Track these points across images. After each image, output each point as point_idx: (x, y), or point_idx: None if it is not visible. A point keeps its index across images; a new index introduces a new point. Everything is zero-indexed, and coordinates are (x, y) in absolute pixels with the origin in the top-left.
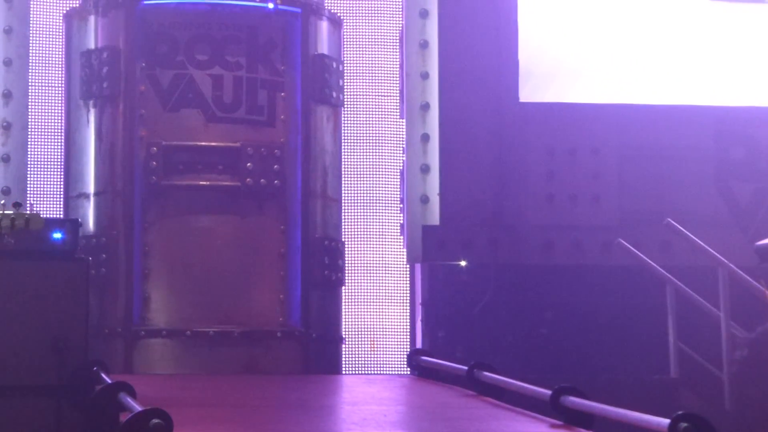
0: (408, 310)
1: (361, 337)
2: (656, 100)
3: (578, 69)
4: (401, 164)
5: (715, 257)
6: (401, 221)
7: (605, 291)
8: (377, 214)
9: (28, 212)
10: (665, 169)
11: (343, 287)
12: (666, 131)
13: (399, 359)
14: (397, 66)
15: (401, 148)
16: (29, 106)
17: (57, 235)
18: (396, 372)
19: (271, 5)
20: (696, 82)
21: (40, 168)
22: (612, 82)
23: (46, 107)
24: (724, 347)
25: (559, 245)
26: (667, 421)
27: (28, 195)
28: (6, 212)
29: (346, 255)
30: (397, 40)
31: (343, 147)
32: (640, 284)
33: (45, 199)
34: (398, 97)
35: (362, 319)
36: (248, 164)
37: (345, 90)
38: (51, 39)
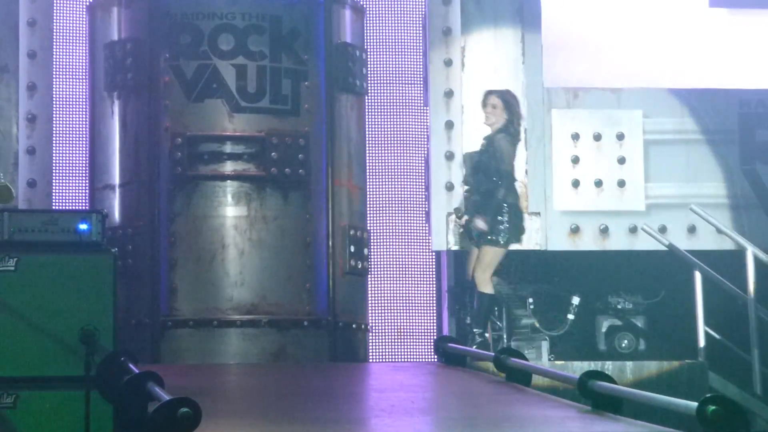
0: (434, 298)
1: (388, 325)
2: (681, 84)
3: (603, 53)
4: (425, 151)
5: (742, 241)
6: (426, 208)
7: (632, 276)
8: (402, 201)
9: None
10: (690, 153)
11: (369, 275)
12: (691, 115)
13: (425, 346)
14: (420, 53)
15: (425, 136)
16: (54, 98)
17: (83, 227)
18: (422, 359)
19: None
20: (721, 65)
21: (66, 160)
22: (637, 66)
23: (71, 99)
24: (752, 330)
25: (584, 231)
26: (695, 404)
27: (54, 187)
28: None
29: (372, 243)
30: (420, 28)
31: (367, 135)
32: (666, 269)
33: (70, 190)
34: (422, 85)
35: (388, 307)
36: (273, 154)
37: (368, 78)
38: (75, 31)
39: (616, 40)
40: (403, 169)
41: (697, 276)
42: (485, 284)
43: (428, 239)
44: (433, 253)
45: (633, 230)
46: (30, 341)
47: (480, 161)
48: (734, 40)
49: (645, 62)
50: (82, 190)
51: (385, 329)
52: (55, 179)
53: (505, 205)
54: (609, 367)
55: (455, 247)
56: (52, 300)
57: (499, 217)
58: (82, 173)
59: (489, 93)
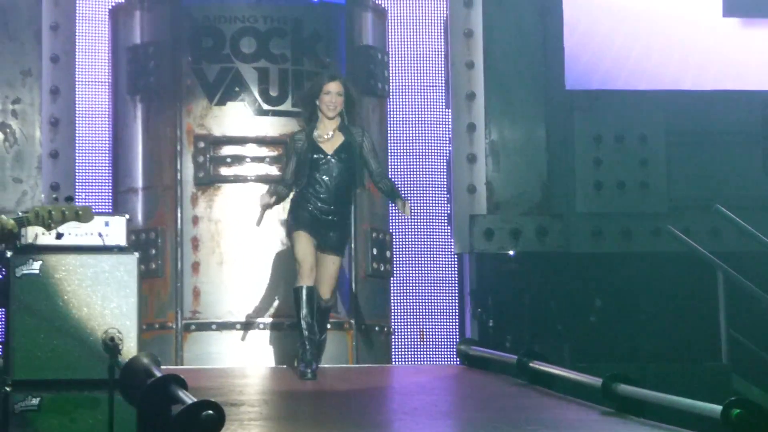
0: (456, 300)
1: (410, 328)
2: (703, 85)
3: (624, 55)
4: (447, 154)
5: (766, 242)
6: (448, 211)
7: (654, 278)
8: (424, 204)
9: (79, 205)
10: (713, 155)
11: (392, 278)
12: (714, 116)
13: (448, 349)
14: (442, 56)
15: (447, 138)
16: (76, 102)
17: (106, 230)
18: (445, 362)
19: None
20: (743, 66)
21: (88, 163)
22: (658, 68)
23: (94, 103)
24: None
25: (607, 233)
26: (719, 407)
27: (77, 190)
28: (57, 205)
29: (394, 246)
30: (442, 30)
31: (389, 138)
32: (689, 271)
33: (93, 194)
34: (443, 87)
35: (411, 310)
36: None
37: (390, 81)
38: (97, 35)
39: (638, 42)
40: (425, 171)
41: (720, 278)
42: None
43: (450, 242)
44: (456, 256)
45: (656, 232)
46: (54, 344)
47: None
48: (749, 47)
49: (667, 64)
50: (105, 193)
51: (407, 332)
52: (78, 183)
53: None
54: (632, 369)
55: (477, 250)
56: (76, 303)
57: None
58: (105, 177)
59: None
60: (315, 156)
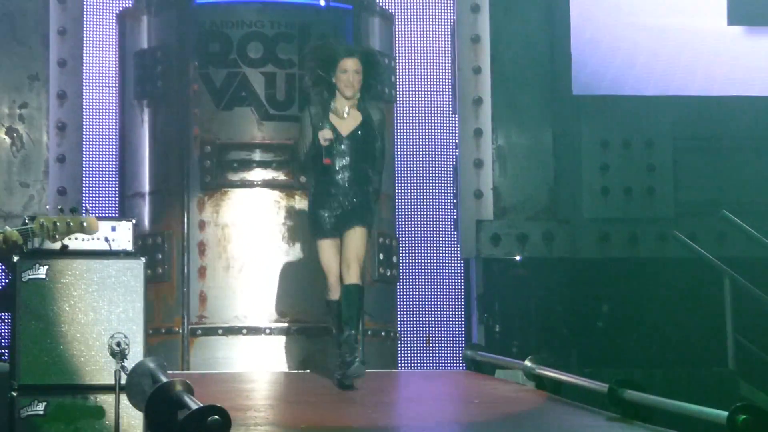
0: (462, 306)
1: (417, 333)
2: (710, 91)
3: (631, 60)
4: (454, 159)
5: None
6: (455, 216)
7: (661, 284)
8: (431, 209)
9: (84, 216)
10: (720, 160)
11: (398, 283)
12: (720, 121)
13: (454, 354)
14: (449, 61)
15: (454, 143)
16: (84, 107)
17: (113, 235)
18: (451, 367)
19: (322, 2)
20: (750, 72)
21: (95, 168)
22: (665, 73)
23: (101, 107)
24: None
25: (614, 238)
26: (725, 413)
27: (84, 195)
28: (62, 216)
29: (401, 251)
30: (449, 35)
31: (395, 142)
32: (696, 276)
33: (100, 198)
34: (450, 93)
35: (417, 315)
36: None
37: (397, 86)
38: (104, 39)
39: (644, 48)
40: (432, 176)
41: (727, 283)
42: None
43: (457, 247)
44: (462, 261)
45: (662, 237)
46: (60, 349)
47: None
48: (755, 53)
49: (674, 70)
50: (111, 198)
51: (414, 337)
52: (85, 187)
53: None
54: (639, 374)
55: (484, 255)
56: (82, 308)
57: None
58: (111, 181)
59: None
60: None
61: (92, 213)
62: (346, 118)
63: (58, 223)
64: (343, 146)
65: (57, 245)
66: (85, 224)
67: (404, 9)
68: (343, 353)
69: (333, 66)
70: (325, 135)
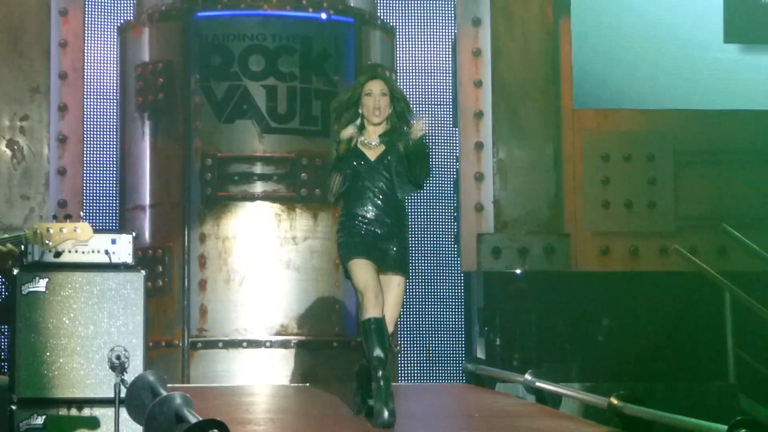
0: (463, 319)
1: (417, 346)
2: (711, 105)
3: (632, 74)
4: (455, 172)
5: None
6: (455, 229)
7: (662, 297)
8: (432, 222)
9: (77, 223)
10: (721, 174)
11: None
12: (721, 136)
13: (454, 367)
14: (450, 74)
15: (455, 156)
16: (84, 119)
17: (113, 248)
18: (451, 380)
19: (324, 16)
20: (750, 87)
21: (96, 180)
22: (666, 87)
23: (101, 120)
24: None
25: (615, 252)
26: (725, 427)
27: (84, 207)
28: (55, 223)
29: None
30: (450, 49)
31: None
32: (696, 290)
33: (101, 211)
34: (451, 106)
35: (418, 328)
36: (303, 174)
37: None
38: (105, 52)
39: (645, 63)
40: (433, 189)
41: (727, 297)
42: None
43: (458, 260)
44: (463, 274)
45: (663, 251)
46: (60, 362)
47: None
48: (754, 69)
49: (675, 84)
50: (112, 210)
51: (414, 349)
52: (86, 200)
53: None
54: (639, 388)
55: (485, 268)
56: (82, 321)
57: None
58: (112, 194)
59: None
60: (356, 163)
61: (84, 219)
62: (377, 145)
63: (51, 230)
64: (371, 172)
65: (51, 253)
66: (78, 230)
67: (405, 22)
68: (389, 394)
69: (359, 94)
70: (346, 133)
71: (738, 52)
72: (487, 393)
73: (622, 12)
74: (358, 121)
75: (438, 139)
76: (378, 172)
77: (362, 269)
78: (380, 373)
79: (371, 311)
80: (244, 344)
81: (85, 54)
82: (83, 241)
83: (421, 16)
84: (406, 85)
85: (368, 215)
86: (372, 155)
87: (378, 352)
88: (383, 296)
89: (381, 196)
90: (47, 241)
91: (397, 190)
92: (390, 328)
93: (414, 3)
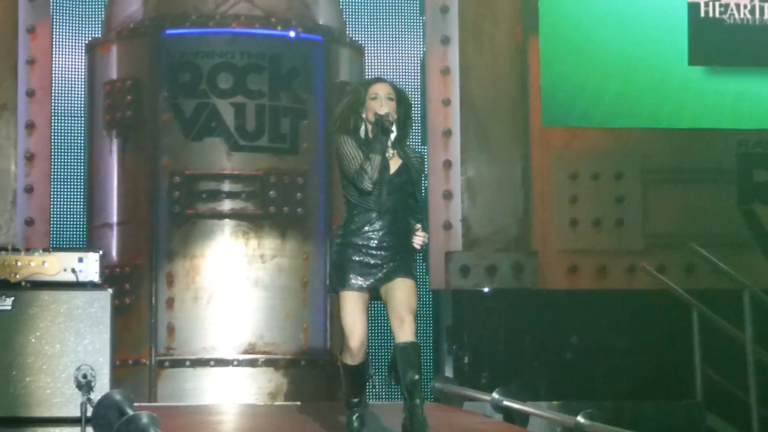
0: (432, 337)
1: (386, 364)
2: (679, 124)
3: (600, 94)
4: (423, 191)
5: (740, 281)
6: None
7: (630, 315)
8: None
9: (46, 255)
10: (688, 193)
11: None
12: (689, 154)
13: (423, 386)
14: (419, 93)
15: (423, 175)
16: (52, 137)
17: (80, 266)
18: None
19: (292, 34)
20: (716, 106)
21: (64, 198)
22: (634, 107)
23: (69, 137)
24: (750, 371)
25: (583, 270)
26: None
27: (51, 225)
28: (24, 255)
29: None
30: (419, 67)
31: None
32: (664, 308)
33: (68, 228)
34: (420, 124)
35: (386, 346)
36: (271, 192)
37: None
38: (74, 69)
39: (613, 82)
40: None
41: (695, 315)
42: None
43: (426, 278)
44: (431, 292)
45: (631, 269)
46: (26, 381)
47: None
48: (719, 91)
49: (642, 103)
50: (80, 228)
51: (383, 368)
52: (53, 218)
53: None
54: (607, 407)
55: (453, 287)
56: (48, 339)
57: None
58: (80, 211)
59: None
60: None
61: (53, 253)
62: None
63: (19, 262)
64: (382, 189)
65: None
66: (46, 264)
67: (374, 41)
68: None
69: (363, 98)
70: (385, 108)
71: (701, 76)
72: (455, 411)
73: (590, 31)
74: (362, 129)
75: None
76: (393, 186)
77: (351, 307)
78: (414, 400)
79: (351, 360)
80: (212, 363)
81: (54, 71)
82: (50, 275)
83: (390, 34)
84: None
85: (373, 235)
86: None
87: (353, 398)
88: (396, 294)
89: (386, 220)
90: (14, 273)
91: (408, 211)
92: (410, 319)
93: (383, 21)
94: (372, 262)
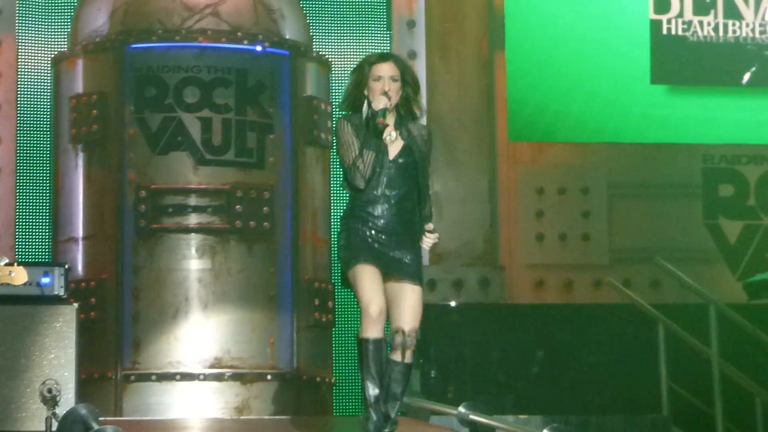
0: None
1: (352, 379)
2: (644, 138)
3: (565, 109)
4: None
5: (705, 295)
6: None
7: (596, 330)
8: None
9: (12, 266)
10: (654, 208)
11: (334, 329)
12: (654, 169)
13: None
14: None
15: None
16: (17, 151)
17: (45, 280)
18: None
19: (259, 48)
20: (681, 122)
21: (29, 212)
22: (599, 122)
23: (35, 152)
24: (715, 385)
25: (549, 284)
26: None
27: (17, 239)
28: None
29: (336, 296)
30: None
31: (332, 189)
32: (630, 323)
33: (33, 243)
34: None
35: (353, 361)
36: (237, 207)
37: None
38: (39, 83)
39: (578, 97)
40: None
41: (661, 330)
42: None
43: None
44: None
45: (597, 284)
46: None
47: None
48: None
49: (607, 118)
50: (45, 242)
51: (350, 383)
52: (18, 232)
53: None
54: (573, 421)
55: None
56: (13, 354)
57: None
58: (45, 226)
59: None
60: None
61: (20, 264)
62: (391, 139)
63: None
64: (384, 174)
65: None
66: (12, 274)
67: (341, 55)
68: (380, 426)
69: (366, 77)
70: (381, 103)
71: (663, 93)
72: (422, 426)
73: (556, 47)
74: (365, 108)
75: None
76: (392, 173)
77: (367, 278)
78: (371, 401)
79: (370, 330)
80: (178, 377)
81: (19, 85)
82: (16, 285)
83: (356, 48)
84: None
85: (377, 221)
86: (390, 152)
87: (372, 374)
88: (397, 303)
89: (393, 201)
90: None
91: (415, 192)
92: (410, 327)
93: (350, 36)
94: (379, 244)
